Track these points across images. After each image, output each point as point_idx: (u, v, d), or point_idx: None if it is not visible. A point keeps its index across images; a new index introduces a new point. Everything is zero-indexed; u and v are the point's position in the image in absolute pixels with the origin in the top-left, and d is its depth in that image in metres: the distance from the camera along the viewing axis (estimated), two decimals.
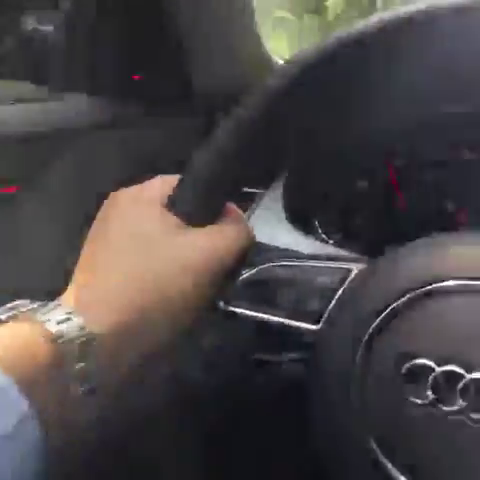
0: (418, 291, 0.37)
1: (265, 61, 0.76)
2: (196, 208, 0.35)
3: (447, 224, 0.59)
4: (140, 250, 0.34)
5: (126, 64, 0.67)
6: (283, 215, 0.54)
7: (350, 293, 0.42)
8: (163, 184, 0.37)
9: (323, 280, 0.44)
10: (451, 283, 0.36)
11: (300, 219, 0.55)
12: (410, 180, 0.61)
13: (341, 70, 0.36)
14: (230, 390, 0.51)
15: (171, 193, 0.36)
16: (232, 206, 0.38)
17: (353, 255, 0.47)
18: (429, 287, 0.37)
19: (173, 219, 0.35)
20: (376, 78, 0.38)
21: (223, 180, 0.36)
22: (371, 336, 0.37)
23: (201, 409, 0.51)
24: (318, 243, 0.51)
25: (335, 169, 0.62)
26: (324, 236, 0.61)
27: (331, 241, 0.61)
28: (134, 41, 0.67)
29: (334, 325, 0.40)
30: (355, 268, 0.44)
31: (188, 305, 0.34)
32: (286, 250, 0.49)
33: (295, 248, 0.49)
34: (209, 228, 0.36)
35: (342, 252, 0.48)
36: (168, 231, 0.34)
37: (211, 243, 0.35)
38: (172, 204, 0.35)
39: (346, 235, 0.62)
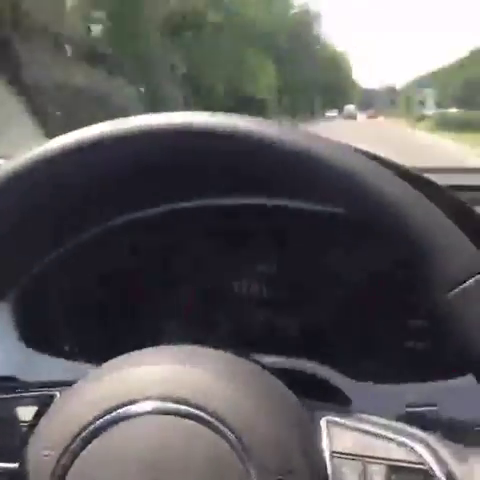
0: (104, 419, 0.37)
1: None
2: None
3: None
4: None
5: None
6: (12, 335, 0.54)
7: (43, 424, 0.40)
8: None
9: (25, 413, 0.42)
10: (132, 408, 0.37)
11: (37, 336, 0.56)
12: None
13: None
14: None
15: None
16: None
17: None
18: (111, 414, 0.37)
19: None
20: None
21: None
22: (63, 468, 0.37)
23: None
24: (47, 359, 0.52)
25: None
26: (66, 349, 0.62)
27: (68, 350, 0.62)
28: None
29: (27, 461, 0.38)
30: (58, 394, 0.43)
31: None
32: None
33: (19, 371, 0.49)
34: None
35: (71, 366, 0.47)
36: None
37: None
38: None
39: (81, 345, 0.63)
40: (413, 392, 0.61)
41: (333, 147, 0.38)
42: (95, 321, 0.65)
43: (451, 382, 0.61)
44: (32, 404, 0.42)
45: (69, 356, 0.62)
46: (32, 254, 0.52)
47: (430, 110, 33.98)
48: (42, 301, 0.60)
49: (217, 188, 0.57)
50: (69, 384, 0.41)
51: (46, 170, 0.41)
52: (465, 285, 0.35)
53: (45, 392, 0.43)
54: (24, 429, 0.41)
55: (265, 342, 0.67)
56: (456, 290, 0.35)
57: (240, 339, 0.67)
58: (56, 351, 0.58)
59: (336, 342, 0.66)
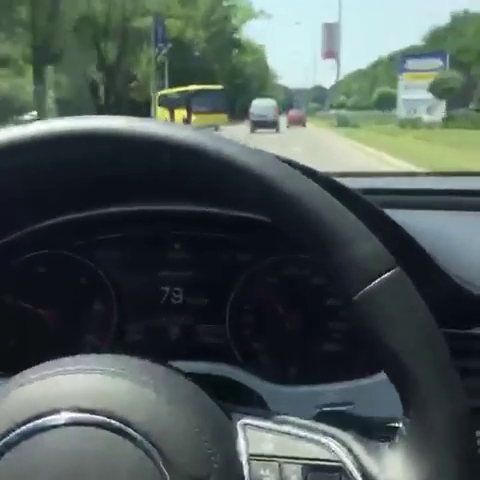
0: (17, 432, 0.35)
1: None
2: None
3: None
4: None
5: None
6: None
7: None
8: None
9: None
10: (43, 420, 0.35)
11: None
12: None
13: None
14: None
15: None
16: None
17: None
18: (22, 428, 0.35)
19: None
20: None
21: None
22: None
23: None
24: None
25: None
26: None
27: None
28: None
29: None
30: None
31: None
32: None
33: None
34: None
35: None
36: None
37: None
38: None
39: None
40: (330, 392, 0.62)
41: (244, 149, 0.38)
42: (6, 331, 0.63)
43: (365, 381, 0.63)
44: None
45: None
46: None
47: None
48: None
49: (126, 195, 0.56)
50: None
51: None
52: (370, 286, 0.36)
53: None
54: None
55: (183, 348, 0.66)
56: (361, 292, 0.36)
57: (158, 346, 0.66)
58: None
59: (254, 346, 0.67)
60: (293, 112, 31.66)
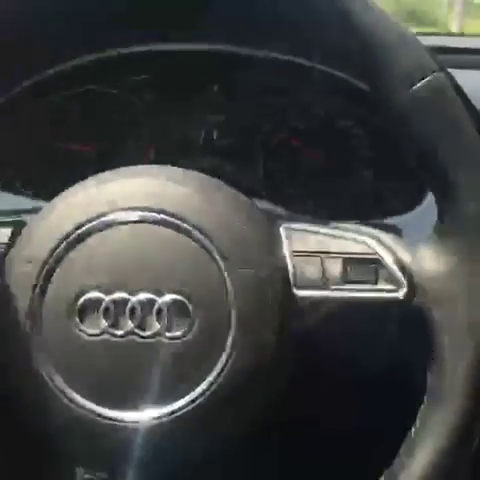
0: (86, 226, 0.40)
1: None
2: None
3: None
4: None
5: None
6: None
7: (21, 242, 0.42)
8: None
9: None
10: (110, 217, 0.39)
11: None
12: None
13: None
14: None
15: None
16: None
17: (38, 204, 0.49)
18: (94, 222, 0.39)
19: None
20: None
21: None
22: (46, 276, 0.39)
23: None
24: (6, 196, 0.55)
25: None
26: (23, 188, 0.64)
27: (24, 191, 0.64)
28: None
29: (8, 276, 0.41)
30: (28, 219, 0.44)
31: None
32: None
33: None
34: None
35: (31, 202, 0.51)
36: None
37: None
38: None
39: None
40: None
41: None
42: (49, 165, 0.66)
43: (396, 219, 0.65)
44: (4, 227, 0.43)
45: (23, 193, 0.63)
46: None
47: None
48: None
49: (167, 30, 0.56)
50: (32, 212, 0.43)
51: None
52: (426, 79, 0.37)
53: (15, 218, 0.44)
54: (0, 250, 0.42)
55: None
56: (418, 85, 0.37)
57: None
58: (12, 190, 0.59)
59: (286, 187, 0.69)
60: None
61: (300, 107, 0.67)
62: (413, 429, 0.39)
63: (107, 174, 0.43)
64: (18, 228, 0.43)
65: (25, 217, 0.44)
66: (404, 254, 0.40)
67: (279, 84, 0.66)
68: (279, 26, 0.42)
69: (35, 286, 0.39)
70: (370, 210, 0.66)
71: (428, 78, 0.37)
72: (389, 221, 0.65)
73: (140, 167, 0.44)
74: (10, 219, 0.44)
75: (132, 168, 0.43)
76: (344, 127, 0.67)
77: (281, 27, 0.42)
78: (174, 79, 0.66)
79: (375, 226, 0.45)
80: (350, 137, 0.67)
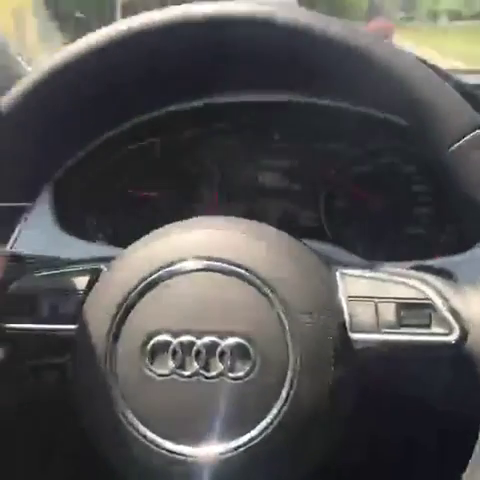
0: (155, 275, 0.43)
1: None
2: None
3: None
4: None
5: None
6: (52, 222, 0.59)
7: (98, 289, 0.46)
8: None
9: (77, 283, 0.47)
10: (177, 266, 0.43)
11: (73, 222, 0.61)
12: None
13: None
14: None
15: None
16: None
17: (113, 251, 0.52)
18: (160, 272, 0.43)
19: None
20: None
21: None
22: (119, 322, 0.43)
23: None
24: (84, 244, 0.58)
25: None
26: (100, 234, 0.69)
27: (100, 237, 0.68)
28: None
29: (86, 321, 0.45)
30: (104, 267, 0.48)
31: None
32: (50, 258, 0.53)
33: (59, 254, 0.54)
34: None
35: (106, 249, 0.54)
36: None
37: None
38: None
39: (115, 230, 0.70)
40: None
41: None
42: (123, 211, 0.71)
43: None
44: (82, 276, 0.48)
45: (100, 241, 0.68)
46: (71, 143, 0.57)
47: None
48: (75, 190, 0.64)
49: (243, 82, 0.60)
50: (108, 260, 0.47)
51: (95, 60, 0.45)
52: (466, 138, 0.40)
53: (92, 266, 0.49)
54: (79, 297, 0.47)
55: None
56: (458, 143, 0.40)
57: None
58: (88, 236, 0.63)
59: (346, 229, 0.72)
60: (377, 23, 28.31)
61: (363, 154, 0.70)
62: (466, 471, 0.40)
63: (176, 225, 0.47)
64: (94, 276, 0.47)
65: (100, 265, 0.48)
66: (455, 298, 0.42)
67: (343, 131, 0.69)
68: (347, 80, 0.46)
69: (110, 331, 0.43)
70: (423, 252, 0.68)
71: (472, 134, 0.39)
72: (440, 263, 0.66)
73: (206, 218, 0.47)
74: (88, 267, 0.48)
75: (197, 219, 0.47)
76: (405, 173, 0.70)
77: (348, 81, 0.46)
78: (243, 128, 0.70)
79: (427, 269, 0.46)
80: (410, 184, 0.70)
